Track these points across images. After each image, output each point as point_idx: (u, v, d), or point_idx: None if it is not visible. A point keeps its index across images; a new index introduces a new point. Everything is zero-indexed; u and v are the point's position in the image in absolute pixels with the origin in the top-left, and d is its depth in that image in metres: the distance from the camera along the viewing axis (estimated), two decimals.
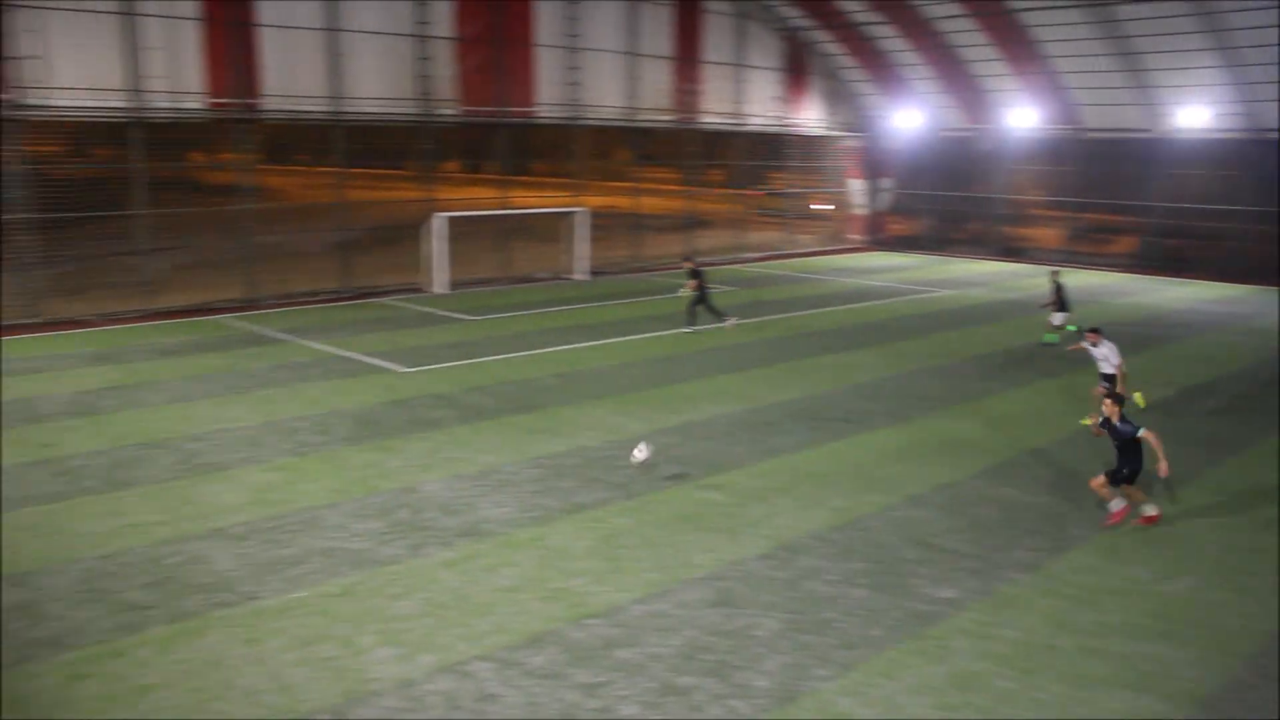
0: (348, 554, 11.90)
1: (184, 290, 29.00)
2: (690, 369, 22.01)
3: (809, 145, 47.21)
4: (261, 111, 29.54)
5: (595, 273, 37.32)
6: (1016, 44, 39.85)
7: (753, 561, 11.93)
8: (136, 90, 26.81)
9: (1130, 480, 13.11)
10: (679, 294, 25.20)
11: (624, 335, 25.46)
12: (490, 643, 9.85)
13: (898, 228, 49.90)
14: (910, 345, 25.13)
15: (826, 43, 45.19)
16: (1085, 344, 18.09)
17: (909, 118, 46.82)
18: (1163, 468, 12.67)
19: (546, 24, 35.49)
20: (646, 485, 14.50)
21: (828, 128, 47.82)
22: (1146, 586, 11.47)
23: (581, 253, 36.52)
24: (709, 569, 11.70)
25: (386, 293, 31.88)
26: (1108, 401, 13.19)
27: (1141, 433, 12.74)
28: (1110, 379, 17.56)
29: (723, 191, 46.16)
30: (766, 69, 44.02)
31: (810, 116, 46.82)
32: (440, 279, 32.45)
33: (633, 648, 9.83)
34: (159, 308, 27.68)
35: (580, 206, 36.69)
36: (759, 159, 45.65)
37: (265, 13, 28.96)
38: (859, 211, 50.49)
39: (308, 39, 29.91)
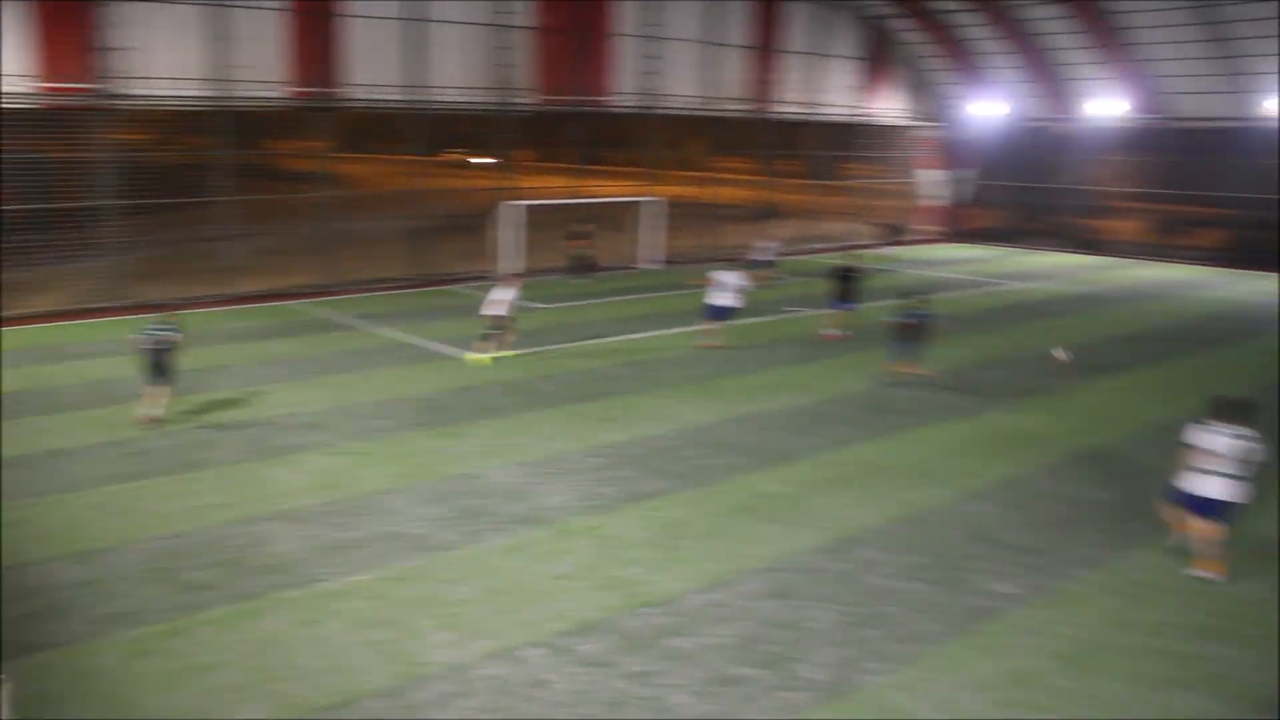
0: (408, 539, 12.03)
1: (261, 276, 29.56)
2: (759, 360, 21.90)
3: (885, 135, 46.66)
4: (341, 100, 29.98)
5: (667, 262, 37.26)
6: (1103, 31, 38.97)
7: (811, 554, 11.86)
8: (222, 80, 27.36)
9: None
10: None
11: (694, 325, 25.38)
12: (544, 629, 9.91)
13: (975, 219, 49.13)
14: (980, 339, 24.77)
15: (908, 31, 44.57)
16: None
17: (990, 107, 46.02)
18: None
19: (626, 13, 35.50)
20: (708, 475, 14.47)
21: (907, 117, 47.22)
22: (1210, 585, 11.19)
23: (653, 242, 36.49)
24: (767, 560, 11.64)
25: (458, 280, 32.16)
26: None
27: None
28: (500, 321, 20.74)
29: (798, 182, 45.82)
30: (846, 58, 43.54)
31: (889, 106, 46.26)
32: (512, 267, 32.62)
33: (687, 637, 9.82)
34: (236, 292, 28.23)
35: (653, 195, 36.66)
36: (835, 149, 45.22)
37: (349, 3, 29.36)
38: (937, 203, 49.81)
39: (389, 28, 30.26)
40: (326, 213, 30.21)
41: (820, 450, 15.75)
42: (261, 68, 28.15)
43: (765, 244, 33.31)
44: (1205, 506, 11.09)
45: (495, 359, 21.07)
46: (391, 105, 31.02)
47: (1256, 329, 26.82)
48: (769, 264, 32.32)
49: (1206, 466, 10.98)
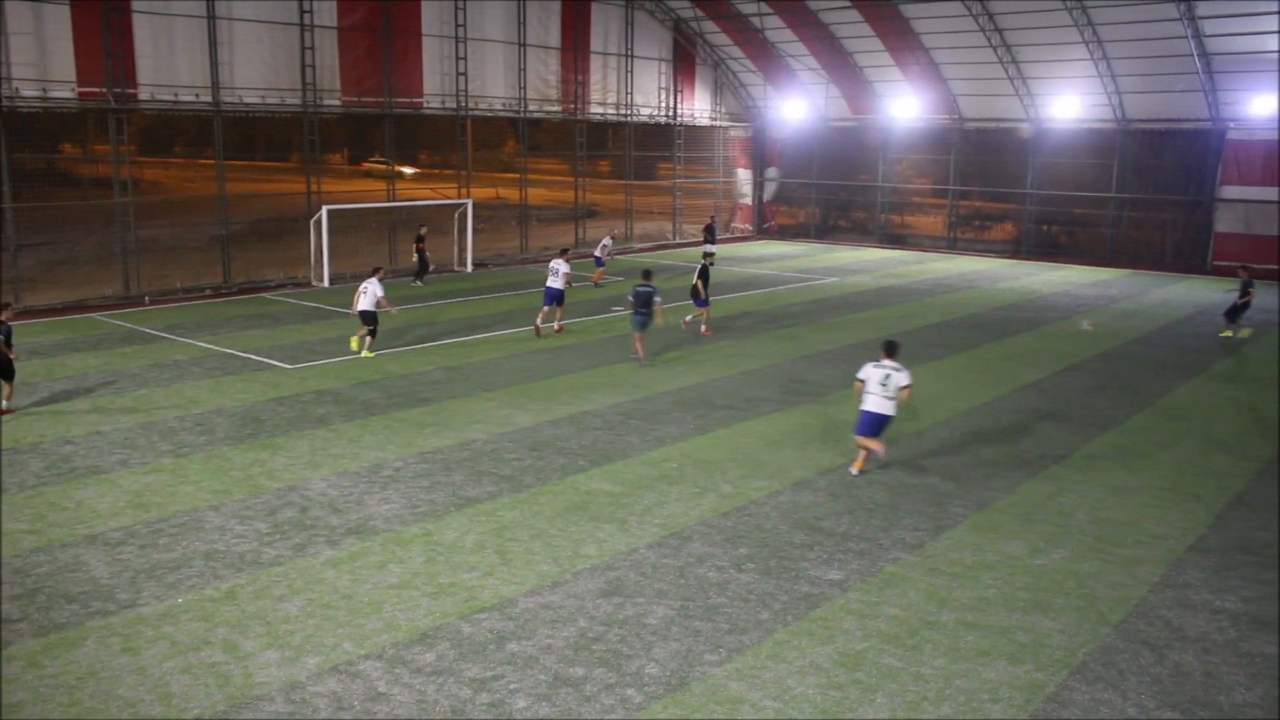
0: (231, 556, 11.63)
1: (56, 287, 28.01)
2: (581, 360, 22.00)
3: (697, 135, 47.50)
4: (136, 101, 28.62)
5: (482, 264, 37.03)
6: (899, 36, 40.66)
7: (643, 550, 12.00)
8: (1, 77, 25.72)
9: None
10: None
11: (512, 327, 25.34)
12: (378, 641, 9.73)
13: (783, 217, 50.52)
14: (794, 332, 25.52)
15: (714, 34, 45.51)
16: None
17: (795, 108, 47.41)
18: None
19: (433, 14, 35.07)
20: (536, 477, 14.47)
21: (715, 118, 48.16)
22: (1022, 561, 11.85)
23: (468, 244, 36.19)
24: (600, 559, 11.73)
25: (269, 287, 31.22)
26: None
27: None
28: (367, 314, 21.73)
29: (611, 182, 46.18)
30: (655, 60, 44.16)
31: (698, 107, 47.09)
32: (325, 273, 31.86)
33: (524, 640, 9.80)
34: (28, 306, 26.67)
35: (466, 198, 36.35)
36: (649, 149, 45.77)
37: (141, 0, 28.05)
38: (748, 201, 50.98)
39: (185, 26, 29.05)
40: (126, 220, 28.81)
41: (646, 447, 15.94)
42: (44, 65, 26.57)
43: (601, 243, 33.85)
44: (874, 422, 14.33)
45: (369, 353, 22.21)
46: (190, 106, 29.79)
47: (1053, 316, 28.40)
48: (599, 263, 32.87)
49: (872, 393, 14.27)
